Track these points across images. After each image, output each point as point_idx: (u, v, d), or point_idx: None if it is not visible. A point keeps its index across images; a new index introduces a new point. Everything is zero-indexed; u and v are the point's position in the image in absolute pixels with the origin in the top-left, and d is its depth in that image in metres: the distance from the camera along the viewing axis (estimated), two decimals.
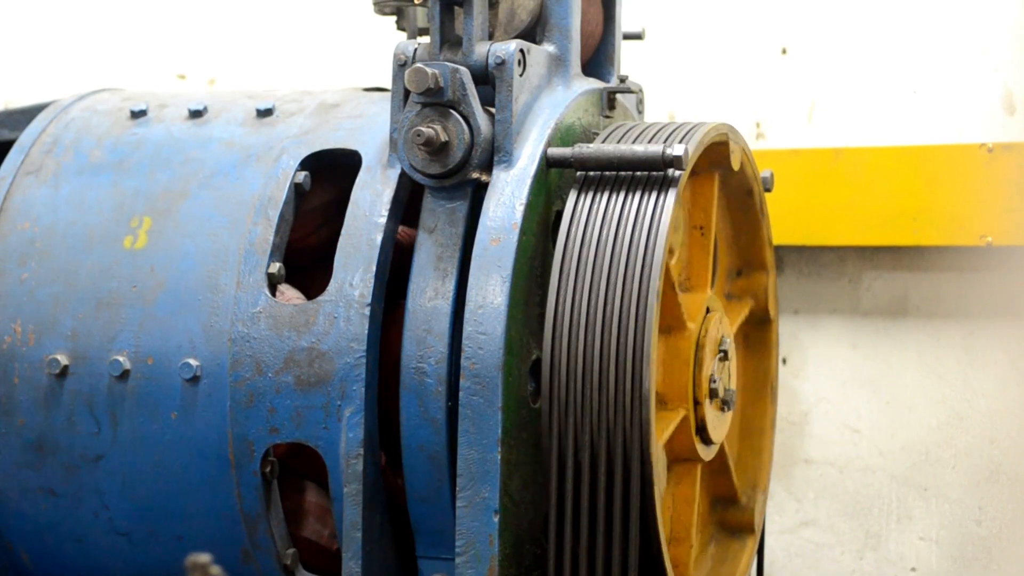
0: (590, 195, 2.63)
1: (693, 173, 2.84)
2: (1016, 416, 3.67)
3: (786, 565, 3.88)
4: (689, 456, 2.83)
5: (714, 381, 2.81)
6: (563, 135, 2.75)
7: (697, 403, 2.79)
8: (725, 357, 2.86)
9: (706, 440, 2.84)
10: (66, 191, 2.93)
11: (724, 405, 2.86)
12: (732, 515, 3.12)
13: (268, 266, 2.75)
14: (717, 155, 2.84)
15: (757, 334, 3.20)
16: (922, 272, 3.74)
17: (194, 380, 2.74)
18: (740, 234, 3.11)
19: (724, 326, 2.89)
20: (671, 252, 2.75)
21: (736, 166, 2.89)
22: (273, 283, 2.75)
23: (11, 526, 2.91)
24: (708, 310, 2.83)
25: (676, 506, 2.86)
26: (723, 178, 2.93)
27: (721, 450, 2.98)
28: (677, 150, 2.59)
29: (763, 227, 3.11)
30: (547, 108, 2.76)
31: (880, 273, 3.78)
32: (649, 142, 2.65)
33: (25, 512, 2.88)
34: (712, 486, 3.07)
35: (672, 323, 2.75)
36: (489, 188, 2.67)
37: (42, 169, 2.98)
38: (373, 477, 2.69)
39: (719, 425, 2.87)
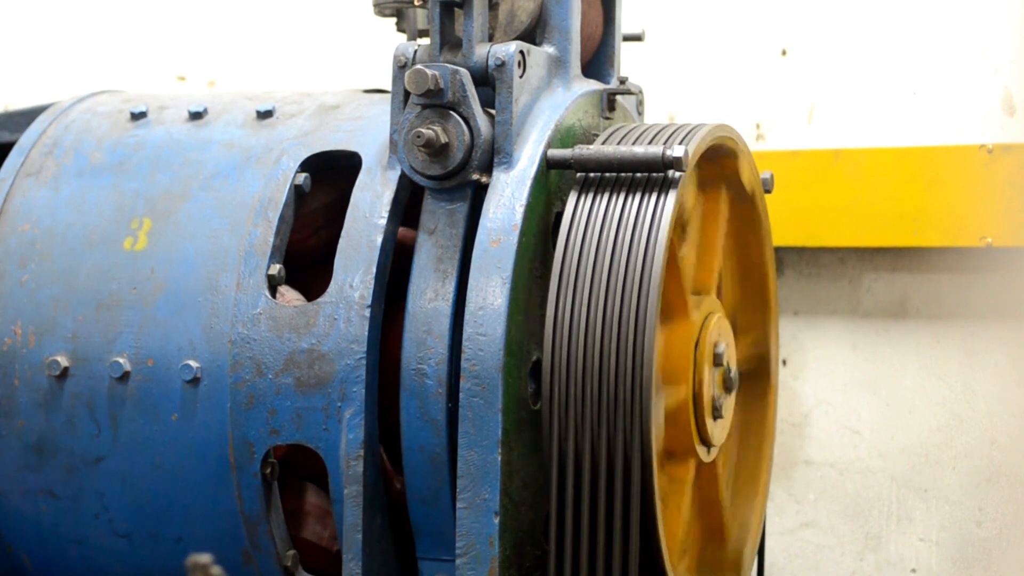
0: (590, 196, 2.63)
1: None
2: (1016, 418, 3.67)
3: (786, 566, 3.88)
4: (686, 452, 2.82)
5: (718, 353, 2.82)
6: (563, 136, 2.75)
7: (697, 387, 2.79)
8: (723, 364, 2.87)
9: (705, 440, 2.84)
10: (66, 193, 2.93)
11: (719, 408, 2.86)
12: (720, 555, 3.08)
13: (268, 268, 2.75)
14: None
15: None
16: (922, 273, 3.74)
17: (194, 382, 2.74)
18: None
19: (724, 329, 2.89)
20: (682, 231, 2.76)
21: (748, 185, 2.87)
22: (273, 285, 2.76)
23: (11, 528, 2.91)
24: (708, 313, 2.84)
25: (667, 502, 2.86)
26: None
27: (715, 474, 2.97)
28: (677, 151, 2.59)
29: (764, 234, 3.10)
30: (547, 110, 2.76)
31: (880, 274, 3.78)
32: (649, 143, 2.65)
33: (25, 514, 2.88)
34: (703, 516, 3.03)
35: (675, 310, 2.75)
36: (489, 189, 2.67)
37: (42, 171, 2.98)
38: (373, 479, 2.69)
39: (718, 427, 2.88)
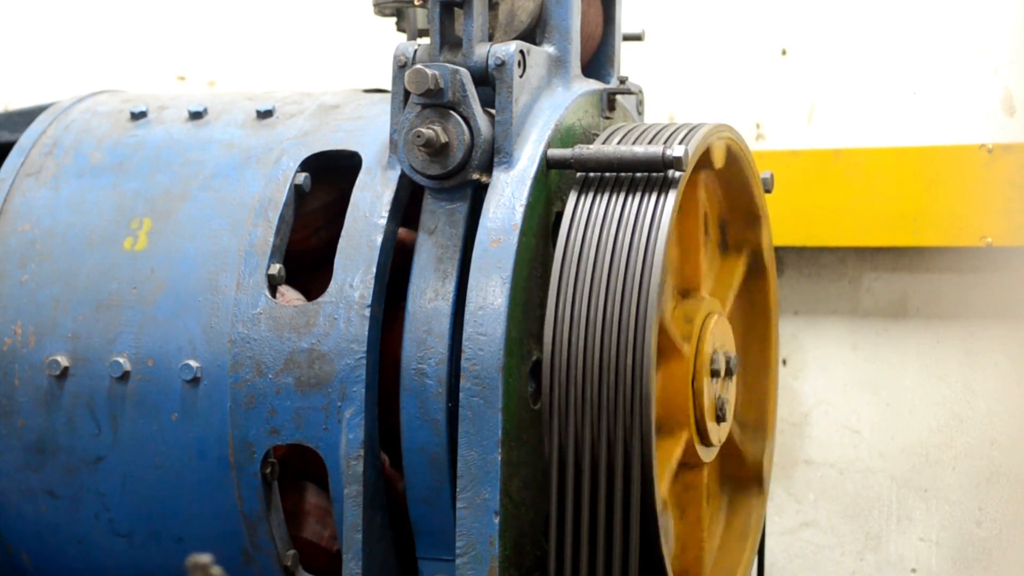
0: (590, 196, 2.63)
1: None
2: (1016, 418, 3.67)
3: (786, 566, 3.88)
4: (691, 463, 2.83)
5: (715, 360, 2.81)
6: (563, 136, 2.75)
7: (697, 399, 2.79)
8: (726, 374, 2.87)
9: (706, 442, 2.84)
10: (66, 193, 2.93)
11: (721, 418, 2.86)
12: (739, 471, 3.10)
13: (268, 267, 2.75)
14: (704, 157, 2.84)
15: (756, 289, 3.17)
16: (922, 273, 3.74)
17: (194, 381, 2.74)
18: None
19: (724, 332, 2.89)
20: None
21: (719, 163, 2.86)
22: (273, 284, 2.76)
23: (11, 528, 2.91)
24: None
25: (678, 510, 2.86)
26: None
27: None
28: (677, 151, 2.59)
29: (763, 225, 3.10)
30: (547, 109, 2.76)
31: (880, 274, 3.78)
32: (649, 143, 2.65)
33: (25, 514, 2.88)
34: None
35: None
36: (489, 189, 2.67)
37: (42, 171, 2.98)
38: (373, 478, 2.69)
39: (719, 429, 2.87)
